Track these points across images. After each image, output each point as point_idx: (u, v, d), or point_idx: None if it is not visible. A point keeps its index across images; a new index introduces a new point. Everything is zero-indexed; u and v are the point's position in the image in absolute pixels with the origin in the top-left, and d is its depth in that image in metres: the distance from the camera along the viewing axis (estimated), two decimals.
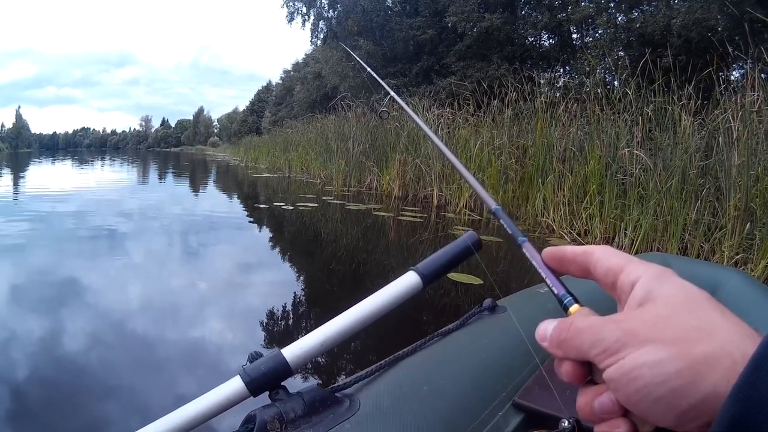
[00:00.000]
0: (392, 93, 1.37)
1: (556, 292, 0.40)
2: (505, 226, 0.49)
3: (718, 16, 7.77)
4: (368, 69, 1.85)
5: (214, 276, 4.10)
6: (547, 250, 0.42)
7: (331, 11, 17.28)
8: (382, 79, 1.57)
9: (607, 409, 0.33)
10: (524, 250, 0.45)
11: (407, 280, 0.72)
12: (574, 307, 0.38)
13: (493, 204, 0.54)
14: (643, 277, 0.35)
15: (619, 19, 10.98)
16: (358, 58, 1.87)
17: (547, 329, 0.37)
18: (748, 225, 4.03)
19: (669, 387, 0.29)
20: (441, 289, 3.46)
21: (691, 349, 0.30)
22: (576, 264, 0.40)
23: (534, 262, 0.43)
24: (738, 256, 4.02)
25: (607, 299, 0.38)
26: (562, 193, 6.03)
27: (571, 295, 0.39)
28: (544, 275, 0.41)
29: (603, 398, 0.33)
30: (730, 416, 0.27)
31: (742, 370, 0.27)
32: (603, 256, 0.38)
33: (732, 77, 6.78)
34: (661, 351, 0.30)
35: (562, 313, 0.39)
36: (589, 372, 0.35)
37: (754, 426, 0.26)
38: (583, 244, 0.40)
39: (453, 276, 3.55)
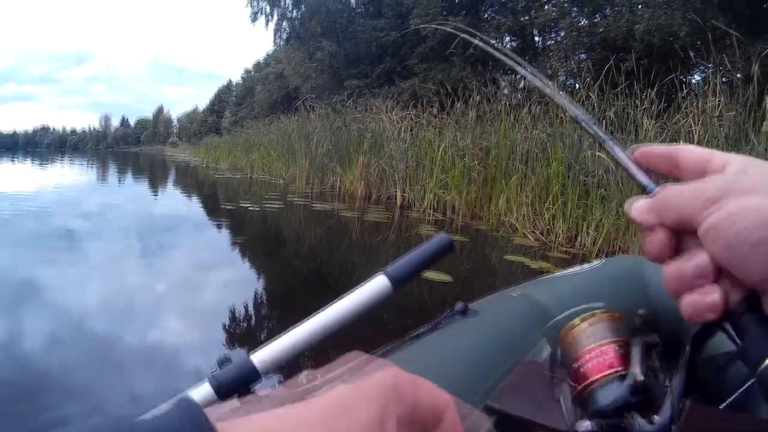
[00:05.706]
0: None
1: (641, 180, 0.40)
2: (590, 131, 0.49)
3: (681, 23, 7.91)
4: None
5: (185, 277, 4.09)
6: (637, 149, 0.42)
7: (295, 11, 17.19)
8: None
9: (701, 269, 0.33)
10: (607, 148, 0.45)
11: (376, 284, 0.69)
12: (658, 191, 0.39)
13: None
14: (736, 157, 0.35)
15: (582, 22, 11.13)
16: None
17: (644, 202, 0.37)
18: None
19: None
20: (412, 286, 3.46)
21: None
22: (664, 158, 0.40)
23: (618, 158, 0.43)
24: None
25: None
26: (525, 194, 6.07)
27: (656, 184, 0.39)
28: (628, 167, 0.42)
29: (698, 259, 0.33)
30: None
31: None
32: (690, 149, 0.39)
33: (693, 81, 6.93)
34: (765, 197, 0.31)
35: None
36: (677, 247, 0.35)
37: None
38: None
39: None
